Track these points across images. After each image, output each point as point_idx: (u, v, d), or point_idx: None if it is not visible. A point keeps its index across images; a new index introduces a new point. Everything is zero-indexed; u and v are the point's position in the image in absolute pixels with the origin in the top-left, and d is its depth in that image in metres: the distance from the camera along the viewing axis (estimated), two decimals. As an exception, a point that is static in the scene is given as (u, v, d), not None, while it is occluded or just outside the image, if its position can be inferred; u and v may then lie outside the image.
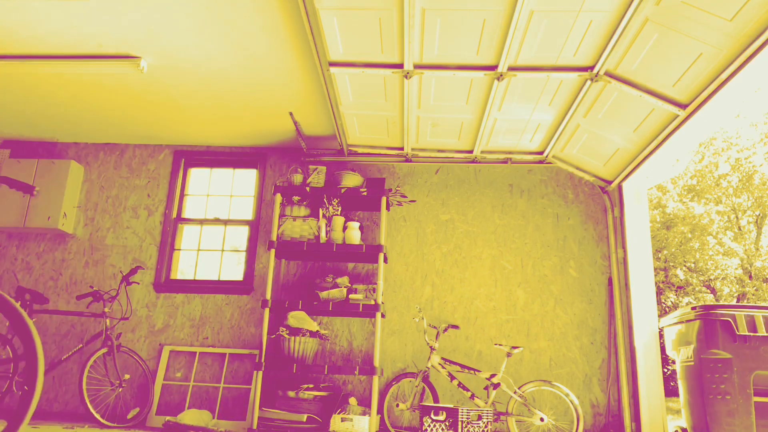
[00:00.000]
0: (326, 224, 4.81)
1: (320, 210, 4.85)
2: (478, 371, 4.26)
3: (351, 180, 4.92)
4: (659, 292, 16.07)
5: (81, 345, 4.44)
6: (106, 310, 4.42)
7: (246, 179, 5.65)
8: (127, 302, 5.09)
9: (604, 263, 4.97)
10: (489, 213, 5.21)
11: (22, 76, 4.41)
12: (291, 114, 4.81)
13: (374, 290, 4.61)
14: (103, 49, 3.98)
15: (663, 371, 5.55)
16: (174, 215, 5.43)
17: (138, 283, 5.16)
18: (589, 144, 4.65)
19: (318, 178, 4.97)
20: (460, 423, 3.60)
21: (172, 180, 5.50)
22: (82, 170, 5.56)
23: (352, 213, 5.28)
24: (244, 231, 5.39)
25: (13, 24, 3.70)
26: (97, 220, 5.43)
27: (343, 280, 4.81)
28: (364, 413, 4.25)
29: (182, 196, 5.56)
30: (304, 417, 4.25)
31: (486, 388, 4.24)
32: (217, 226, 5.45)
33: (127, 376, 4.54)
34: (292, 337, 4.40)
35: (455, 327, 4.55)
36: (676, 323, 3.85)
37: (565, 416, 4.56)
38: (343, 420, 4.17)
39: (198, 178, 5.75)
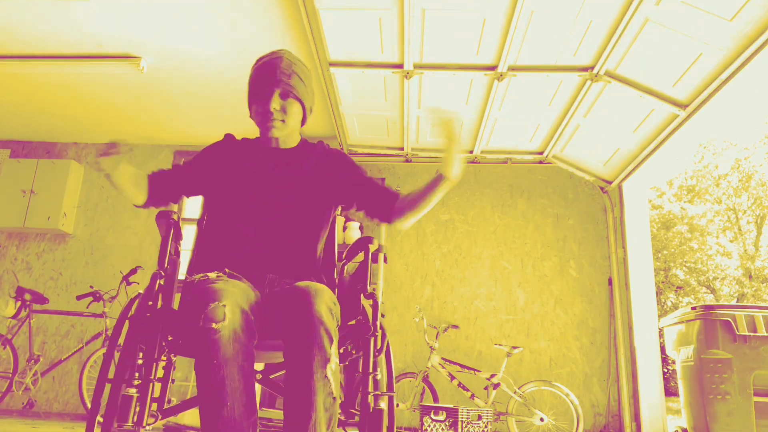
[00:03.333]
0: (326, 224, 4.80)
1: (320, 210, 4.85)
2: (478, 371, 4.25)
3: (351, 180, 4.92)
4: (659, 292, 16.07)
5: (81, 345, 4.44)
6: (106, 310, 4.41)
7: (246, 179, 5.64)
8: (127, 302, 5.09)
9: (604, 263, 4.96)
10: (489, 213, 5.21)
11: (22, 76, 4.41)
12: (291, 114, 4.81)
13: (374, 290, 4.61)
14: (103, 49, 3.97)
15: (663, 371, 5.54)
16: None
17: (138, 283, 5.15)
18: (589, 144, 4.65)
19: (318, 178, 4.97)
20: (460, 423, 3.60)
21: (172, 180, 5.50)
22: (82, 170, 5.56)
23: (351, 213, 5.28)
24: (244, 231, 5.39)
25: (13, 24, 3.70)
26: (97, 220, 5.43)
27: (343, 280, 4.80)
28: (364, 413, 4.25)
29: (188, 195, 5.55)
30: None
31: (486, 388, 4.24)
32: (217, 226, 5.45)
33: (127, 376, 4.53)
34: (292, 337, 4.39)
35: (455, 327, 4.55)
36: (676, 323, 3.85)
37: (565, 416, 4.56)
38: (343, 420, 4.16)
39: (198, 178, 5.74)
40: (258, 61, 1.72)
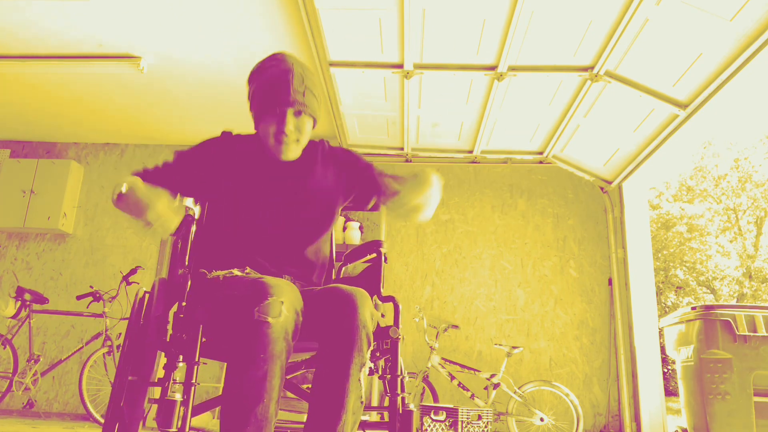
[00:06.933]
0: (326, 224, 4.80)
1: (320, 210, 4.84)
2: (478, 371, 4.25)
3: (351, 180, 4.91)
4: (659, 292, 16.08)
5: (81, 345, 4.44)
6: (106, 310, 4.41)
7: (246, 179, 5.64)
8: (127, 302, 5.09)
9: (604, 263, 4.96)
10: (489, 213, 5.21)
11: (22, 76, 4.41)
12: (291, 114, 4.81)
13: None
14: (103, 49, 3.97)
15: (663, 371, 5.55)
16: (174, 215, 5.43)
17: (138, 283, 5.15)
18: (589, 144, 4.65)
19: (318, 178, 4.96)
20: (460, 423, 3.60)
21: (172, 180, 5.50)
22: (82, 170, 5.55)
23: (351, 213, 5.27)
24: (244, 231, 5.38)
25: (13, 24, 3.70)
26: (97, 220, 5.43)
27: (343, 280, 4.80)
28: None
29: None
30: (305, 417, 4.24)
31: (486, 388, 4.24)
32: (217, 226, 5.44)
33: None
34: (292, 337, 4.39)
35: (455, 327, 4.55)
36: (676, 323, 3.85)
37: (565, 416, 4.56)
38: (343, 420, 4.16)
39: (198, 178, 5.74)
40: (261, 67, 1.57)
